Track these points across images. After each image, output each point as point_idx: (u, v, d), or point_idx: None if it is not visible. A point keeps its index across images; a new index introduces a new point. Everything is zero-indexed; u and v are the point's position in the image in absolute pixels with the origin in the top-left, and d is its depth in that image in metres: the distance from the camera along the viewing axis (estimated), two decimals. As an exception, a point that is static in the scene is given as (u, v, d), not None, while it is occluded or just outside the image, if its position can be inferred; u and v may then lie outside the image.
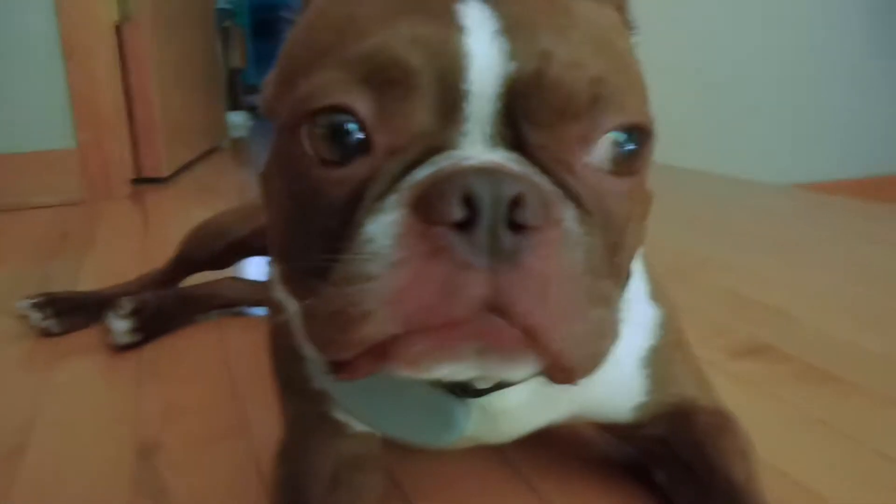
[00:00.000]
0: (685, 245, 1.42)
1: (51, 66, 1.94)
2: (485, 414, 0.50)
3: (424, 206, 0.33)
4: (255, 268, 1.16)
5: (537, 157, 0.36)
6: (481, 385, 0.47)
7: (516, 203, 0.32)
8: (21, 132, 1.95)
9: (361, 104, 0.35)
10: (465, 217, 0.32)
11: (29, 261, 1.41)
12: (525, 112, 0.36)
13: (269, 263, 0.60)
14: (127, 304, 0.95)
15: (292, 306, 0.54)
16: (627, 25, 0.47)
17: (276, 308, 0.56)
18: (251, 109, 5.78)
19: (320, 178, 0.37)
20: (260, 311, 1.06)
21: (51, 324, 0.99)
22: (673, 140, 2.42)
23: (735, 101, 2.68)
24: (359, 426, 0.55)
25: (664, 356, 0.57)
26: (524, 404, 0.51)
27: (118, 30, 2.12)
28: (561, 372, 0.36)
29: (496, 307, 0.32)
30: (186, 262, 1.05)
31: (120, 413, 0.78)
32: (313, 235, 0.38)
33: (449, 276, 0.31)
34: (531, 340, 0.33)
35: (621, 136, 0.38)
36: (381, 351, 0.34)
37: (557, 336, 0.33)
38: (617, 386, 0.56)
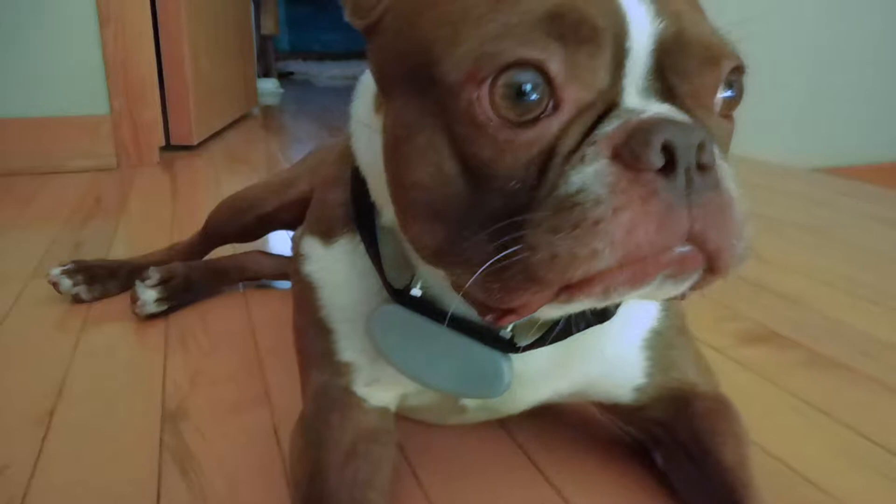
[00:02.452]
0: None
1: (86, 34, 1.98)
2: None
3: (630, 156, 0.36)
4: (282, 241, 1.19)
5: (685, 105, 0.40)
6: (521, 342, 0.50)
7: (700, 148, 0.36)
8: (56, 97, 1.99)
9: (554, 60, 0.37)
10: (664, 163, 0.36)
11: (64, 225, 1.45)
12: (672, 65, 0.40)
13: (300, 237, 0.61)
14: (155, 274, 0.98)
15: (329, 278, 0.57)
16: None
17: (304, 282, 0.58)
18: (283, 76, 5.81)
19: (505, 139, 0.38)
20: (285, 285, 1.09)
21: (81, 290, 1.03)
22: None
23: (755, 82, 2.64)
24: (375, 400, 0.58)
25: (666, 340, 0.59)
26: (539, 370, 0.54)
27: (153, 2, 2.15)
28: (712, 277, 0.40)
29: (694, 237, 0.36)
30: (215, 234, 1.08)
31: (147, 379, 0.81)
32: (491, 192, 0.39)
33: (662, 214, 0.36)
34: (709, 259, 0.38)
35: (734, 80, 0.43)
36: (583, 285, 0.37)
37: (729, 254, 0.38)
38: (619, 365, 0.58)
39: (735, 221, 0.38)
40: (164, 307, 0.98)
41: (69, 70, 1.99)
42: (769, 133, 2.64)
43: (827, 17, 2.70)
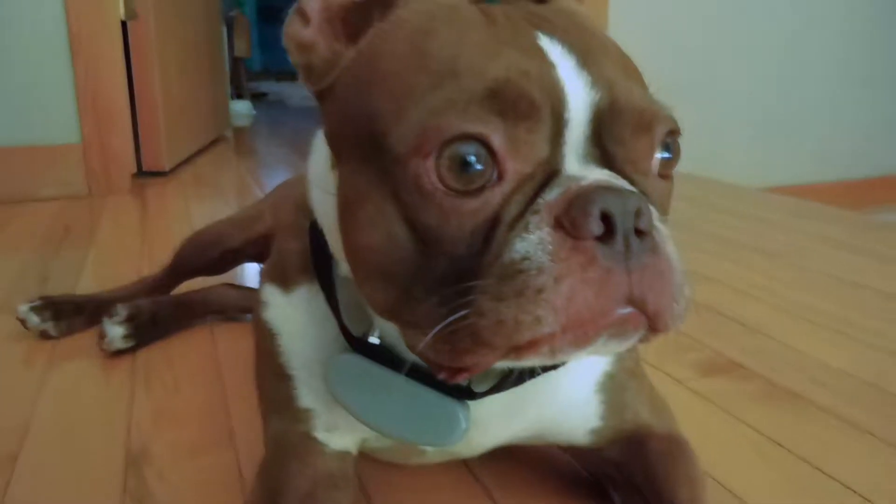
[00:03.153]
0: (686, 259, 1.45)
1: (58, 62, 1.98)
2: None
3: (570, 225, 0.38)
4: (250, 273, 1.20)
5: (623, 170, 0.42)
6: (478, 389, 0.51)
7: (637, 214, 0.38)
8: (27, 126, 1.99)
9: (495, 135, 0.39)
10: (603, 231, 0.38)
11: (33, 254, 1.44)
12: (608, 133, 0.41)
13: (260, 284, 0.62)
14: (122, 311, 0.98)
15: (287, 325, 0.58)
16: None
17: (263, 329, 0.59)
18: (256, 96, 5.81)
19: (451, 208, 0.40)
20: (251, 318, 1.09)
21: (49, 326, 1.03)
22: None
23: (711, 102, 2.69)
24: (335, 444, 0.59)
25: (619, 382, 0.60)
26: (495, 415, 0.55)
27: (124, 26, 2.15)
28: (653, 335, 0.41)
29: (633, 300, 0.38)
30: (182, 268, 1.09)
31: (112, 420, 0.81)
32: (436, 258, 0.40)
33: (601, 281, 0.37)
34: (653, 321, 0.39)
35: (670, 143, 0.45)
36: (529, 347, 0.38)
37: (669, 315, 0.40)
38: (574, 408, 0.59)
39: (673, 283, 0.40)
40: (132, 343, 0.98)
41: (40, 99, 1.99)
42: (723, 152, 2.70)
43: (783, 37, 2.77)
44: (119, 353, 0.98)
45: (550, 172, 0.40)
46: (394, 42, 0.44)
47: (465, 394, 0.51)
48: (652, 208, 0.40)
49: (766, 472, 0.71)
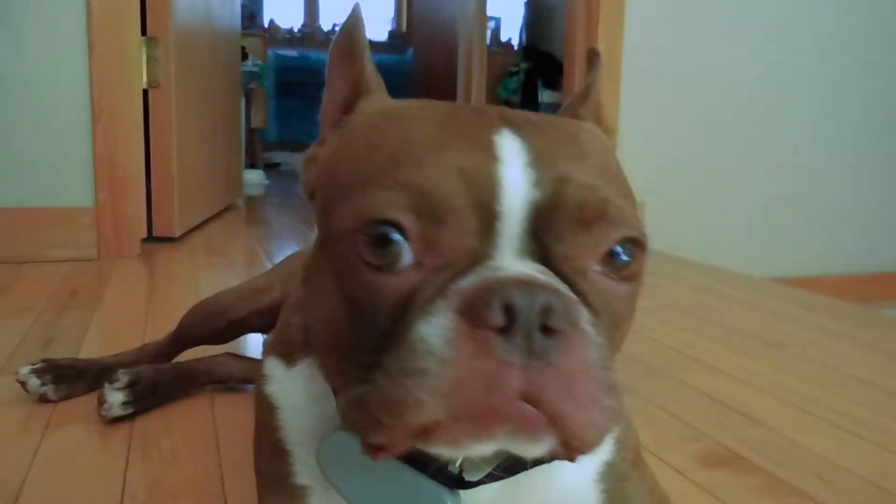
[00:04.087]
0: (677, 339, 1.45)
1: (78, 128, 2.04)
2: None
3: (471, 313, 0.38)
4: (252, 345, 1.20)
5: (558, 267, 0.42)
6: (470, 477, 0.51)
7: (546, 311, 0.38)
8: (42, 188, 2.03)
9: (409, 225, 0.41)
10: (506, 323, 0.37)
11: (37, 316, 1.45)
12: (547, 228, 0.42)
13: (263, 357, 0.63)
14: (123, 377, 0.98)
15: (287, 400, 0.58)
16: (609, 134, 0.56)
17: (264, 403, 0.60)
18: (270, 166, 5.92)
19: (371, 282, 0.42)
20: (252, 389, 1.09)
21: (49, 390, 1.03)
22: (664, 226, 2.48)
23: (720, 188, 2.73)
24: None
25: (620, 473, 0.59)
26: (490, 499, 0.54)
27: (145, 94, 2.22)
28: (571, 450, 0.41)
29: (529, 398, 0.37)
30: (186, 336, 1.09)
31: (106, 491, 0.80)
32: (363, 331, 0.43)
33: (492, 372, 0.37)
34: (555, 425, 0.38)
35: (622, 248, 0.44)
36: (425, 432, 0.39)
37: (577, 422, 0.39)
38: (573, 498, 0.58)
39: (584, 389, 0.39)
40: (130, 410, 0.98)
41: (57, 162, 2.03)
42: (731, 240, 2.72)
43: (790, 127, 2.82)
44: (117, 420, 0.97)
45: (475, 260, 0.41)
46: (351, 138, 0.50)
47: (457, 482, 0.51)
48: (582, 310, 0.40)
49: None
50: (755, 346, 1.44)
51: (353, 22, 0.55)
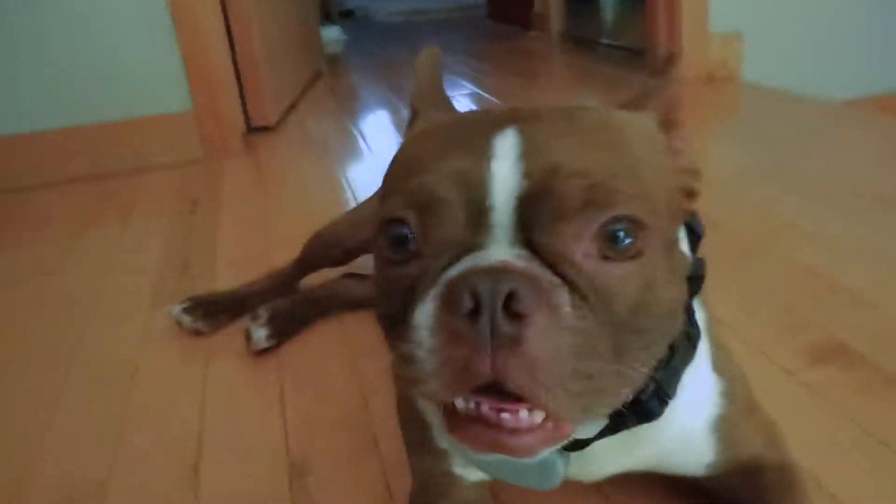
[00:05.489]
0: (776, 202, 1.44)
1: (162, 35, 2.07)
2: (578, 457, 0.60)
3: (448, 300, 0.42)
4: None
5: (542, 253, 0.45)
6: (579, 436, 0.56)
7: (511, 296, 0.41)
8: (139, 99, 2.11)
9: (412, 220, 0.47)
10: (472, 309, 0.41)
11: (167, 245, 1.58)
12: (532, 218, 0.45)
13: None
14: (264, 313, 1.10)
15: None
16: (671, 126, 0.56)
17: (399, 380, 0.67)
18: (343, 15, 5.79)
19: (389, 271, 0.49)
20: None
21: (200, 325, 1.16)
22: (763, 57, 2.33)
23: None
24: (472, 476, 0.67)
25: (731, 422, 0.64)
26: (602, 455, 0.62)
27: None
28: (557, 424, 0.45)
29: (498, 380, 0.41)
30: (307, 265, 1.20)
31: (270, 427, 0.93)
32: (389, 308, 0.50)
33: (464, 356, 0.41)
34: (534, 404, 0.42)
35: (617, 228, 0.45)
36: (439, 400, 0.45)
37: (544, 403, 0.42)
38: (686, 449, 0.64)
39: (549, 372, 0.41)
40: (274, 342, 1.10)
41: (150, 71, 2.10)
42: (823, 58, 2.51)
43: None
44: (264, 351, 1.09)
45: (467, 251, 0.45)
46: (395, 156, 0.56)
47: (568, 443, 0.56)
48: (563, 294, 0.43)
49: (868, 474, 0.74)
50: (861, 204, 1.39)
51: (425, 59, 0.67)
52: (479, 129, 0.49)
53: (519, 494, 0.74)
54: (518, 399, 0.42)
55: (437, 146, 0.50)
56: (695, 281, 0.58)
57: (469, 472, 0.67)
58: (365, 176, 1.91)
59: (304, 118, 2.61)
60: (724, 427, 0.64)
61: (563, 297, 0.43)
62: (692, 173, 0.57)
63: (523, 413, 0.43)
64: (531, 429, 0.44)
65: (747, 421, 0.66)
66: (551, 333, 0.42)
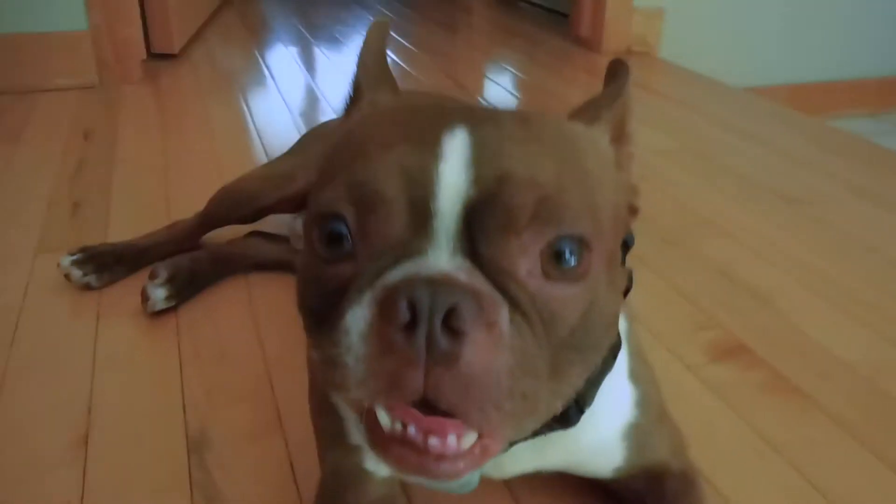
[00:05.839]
0: (693, 195, 1.47)
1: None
2: (493, 459, 0.60)
3: (383, 308, 0.40)
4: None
5: (485, 267, 0.43)
6: None
7: (452, 311, 0.39)
8: (31, 13, 1.93)
9: (350, 218, 0.44)
10: (409, 321, 0.39)
11: (58, 174, 1.47)
12: (478, 227, 0.43)
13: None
14: (163, 272, 1.03)
15: None
16: (621, 140, 0.55)
17: (314, 369, 0.65)
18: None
19: (319, 268, 0.46)
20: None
21: (91, 279, 1.08)
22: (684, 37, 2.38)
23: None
24: (384, 472, 0.66)
25: (642, 430, 0.66)
26: (517, 458, 0.62)
27: None
28: (486, 442, 0.44)
29: (428, 396, 0.39)
30: (214, 220, 1.13)
31: (168, 395, 0.88)
32: (315, 305, 0.47)
33: (395, 369, 0.39)
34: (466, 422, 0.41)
35: (563, 247, 0.44)
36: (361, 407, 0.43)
37: (474, 423, 0.41)
38: (599, 452, 0.65)
39: (482, 393, 0.40)
40: (173, 303, 1.04)
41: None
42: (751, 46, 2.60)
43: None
44: (161, 312, 1.03)
45: (407, 255, 0.42)
46: (337, 140, 0.52)
47: None
48: (503, 312, 0.41)
49: (759, 477, 0.78)
50: (768, 200, 1.44)
51: (374, 33, 0.61)
52: (430, 124, 0.46)
53: (429, 490, 0.74)
54: (447, 414, 0.41)
55: (384, 136, 0.46)
56: (625, 292, 0.58)
57: (380, 469, 0.66)
58: (271, 113, 1.83)
59: (211, 47, 2.46)
60: (636, 434, 0.65)
61: (504, 315, 0.41)
62: (633, 190, 0.56)
63: (451, 440, 0.42)
64: (458, 455, 0.42)
65: (657, 429, 0.68)
66: (489, 352, 0.40)
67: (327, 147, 0.53)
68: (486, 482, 0.73)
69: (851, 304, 1.10)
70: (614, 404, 0.63)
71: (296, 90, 2.05)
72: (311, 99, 2.04)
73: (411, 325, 0.39)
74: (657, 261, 1.20)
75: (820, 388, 0.92)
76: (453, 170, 0.43)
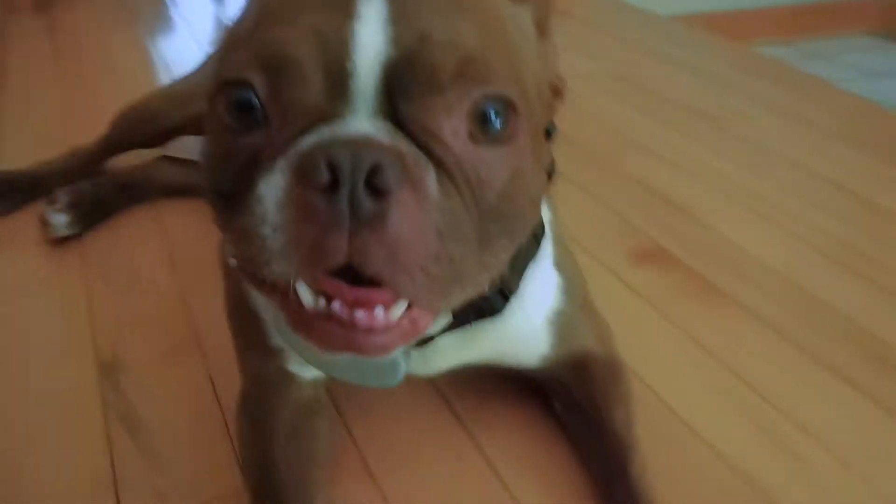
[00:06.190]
0: (616, 116, 1.48)
1: None
2: (419, 353, 0.59)
3: (301, 173, 0.38)
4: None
5: (408, 128, 0.41)
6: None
7: (375, 170, 0.37)
8: None
9: (259, 83, 0.41)
10: (330, 183, 0.37)
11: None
12: (398, 88, 0.40)
13: None
14: (63, 197, 0.97)
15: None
16: (542, 32, 0.53)
17: (231, 273, 0.61)
18: None
19: (227, 141, 0.43)
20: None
21: (-15, 208, 1.00)
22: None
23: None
24: (307, 374, 0.64)
25: (568, 317, 0.66)
26: (444, 350, 0.61)
27: None
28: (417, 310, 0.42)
29: (354, 260, 0.37)
30: (117, 143, 1.06)
31: (75, 323, 0.83)
32: (225, 183, 0.44)
33: (318, 234, 0.37)
34: (392, 287, 0.39)
35: (489, 108, 0.42)
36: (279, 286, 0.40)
37: (401, 287, 0.39)
38: (524, 342, 0.65)
39: (410, 254, 0.38)
40: (77, 230, 0.98)
41: None
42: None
43: None
44: (65, 240, 0.97)
45: (322, 120, 0.40)
46: (248, 2, 0.48)
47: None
48: (429, 172, 0.40)
49: (690, 376, 0.79)
50: (687, 121, 1.45)
51: None
52: None
53: (355, 392, 0.72)
54: (373, 283, 0.39)
55: (295, 0, 0.43)
56: (550, 177, 0.57)
57: (304, 371, 0.64)
58: (178, 51, 1.73)
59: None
60: (561, 321, 0.65)
61: (430, 175, 0.39)
62: (559, 78, 0.55)
63: (379, 311, 0.40)
64: (387, 327, 0.41)
65: (582, 317, 0.68)
66: (415, 213, 0.38)
67: (236, 18, 0.48)
68: (413, 382, 0.73)
69: (771, 211, 1.12)
70: (539, 291, 0.63)
71: (204, 23, 1.95)
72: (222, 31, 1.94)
73: (332, 188, 0.36)
74: (580, 177, 1.20)
75: (737, 286, 0.94)
76: (370, 29, 0.40)
